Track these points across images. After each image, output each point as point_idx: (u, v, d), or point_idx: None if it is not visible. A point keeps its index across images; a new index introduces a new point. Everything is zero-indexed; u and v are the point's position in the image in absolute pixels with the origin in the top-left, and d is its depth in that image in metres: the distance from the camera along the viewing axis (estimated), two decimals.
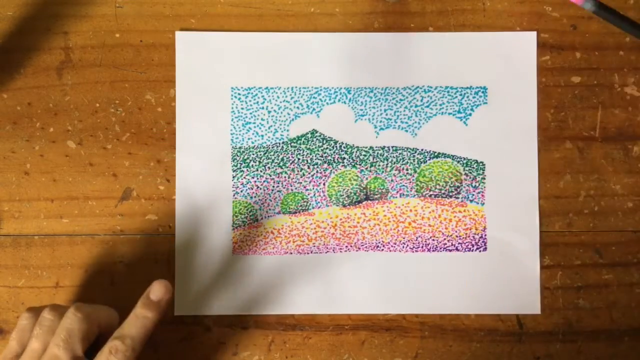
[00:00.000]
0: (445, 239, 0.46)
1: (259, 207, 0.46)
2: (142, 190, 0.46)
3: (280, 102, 0.46)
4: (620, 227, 0.46)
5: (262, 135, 0.46)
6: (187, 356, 0.45)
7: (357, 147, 0.46)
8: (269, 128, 0.46)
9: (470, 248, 0.46)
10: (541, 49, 0.47)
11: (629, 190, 0.46)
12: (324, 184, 0.46)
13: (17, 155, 0.46)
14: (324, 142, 0.46)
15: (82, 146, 0.46)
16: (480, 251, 0.46)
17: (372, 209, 0.46)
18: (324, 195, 0.46)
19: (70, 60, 0.46)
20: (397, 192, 0.46)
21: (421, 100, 0.46)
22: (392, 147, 0.46)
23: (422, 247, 0.46)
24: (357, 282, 0.46)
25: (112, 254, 0.46)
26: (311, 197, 0.46)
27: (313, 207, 0.46)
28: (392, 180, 0.46)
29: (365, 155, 0.46)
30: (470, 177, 0.46)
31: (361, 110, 0.46)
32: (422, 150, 0.46)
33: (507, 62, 0.46)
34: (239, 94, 0.46)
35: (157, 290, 0.41)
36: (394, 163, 0.46)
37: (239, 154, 0.46)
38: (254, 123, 0.46)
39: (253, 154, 0.46)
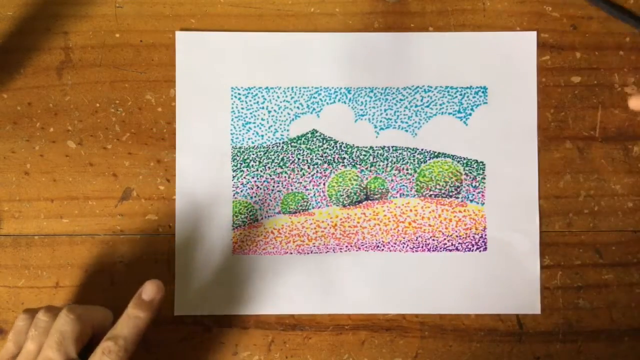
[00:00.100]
0: (445, 239, 0.46)
1: (259, 207, 0.46)
2: (142, 190, 0.46)
3: (280, 102, 0.46)
4: (620, 227, 0.46)
5: (262, 135, 0.46)
6: (187, 356, 0.45)
7: (357, 147, 0.46)
8: (269, 128, 0.46)
9: (470, 248, 0.46)
10: (541, 49, 0.47)
11: (629, 190, 0.46)
12: (324, 184, 0.46)
13: (17, 155, 0.46)
14: (324, 142, 0.46)
15: (82, 146, 0.46)
16: (480, 251, 0.46)
17: (372, 209, 0.46)
18: (324, 195, 0.46)
19: (70, 60, 0.46)
20: (397, 192, 0.46)
21: (421, 100, 0.46)
22: (392, 147, 0.46)
23: (422, 247, 0.46)
24: (357, 282, 0.46)
25: (112, 254, 0.46)
26: (311, 197, 0.46)
27: (313, 207, 0.46)
28: (392, 180, 0.46)
29: (365, 155, 0.46)
30: (470, 177, 0.46)
31: (361, 110, 0.46)
32: (422, 150, 0.46)
33: (507, 62, 0.46)
34: (239, 93, 0.46)
35: (149, 290, 0.41)
36: (394, 163, 0.46)
37: (239, 153, 0.46)
38: (254, 123, 0.46)
39: (253, 154, 0.46)
